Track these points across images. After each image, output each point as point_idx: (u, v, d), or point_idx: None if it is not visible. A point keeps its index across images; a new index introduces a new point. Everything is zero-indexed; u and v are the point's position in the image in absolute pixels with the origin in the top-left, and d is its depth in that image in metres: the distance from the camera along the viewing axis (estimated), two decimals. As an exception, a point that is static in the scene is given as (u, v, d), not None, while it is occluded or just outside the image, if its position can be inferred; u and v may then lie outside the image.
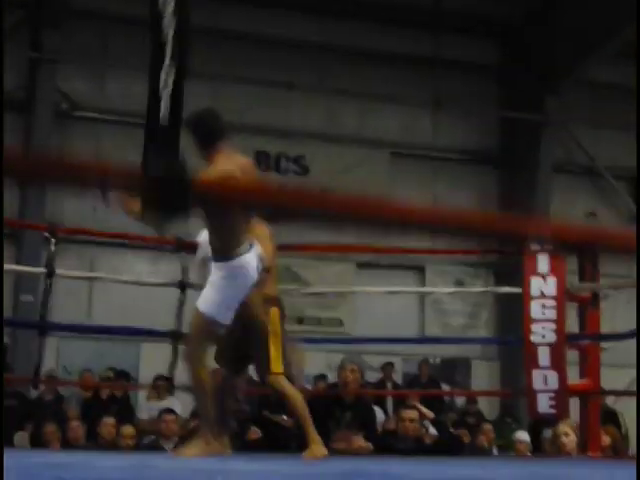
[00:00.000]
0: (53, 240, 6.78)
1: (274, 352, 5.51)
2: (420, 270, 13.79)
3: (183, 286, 7.28)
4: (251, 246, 5.05)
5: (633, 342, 7.81)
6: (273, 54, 13.49)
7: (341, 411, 7.21)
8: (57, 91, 12.73)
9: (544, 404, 7.13)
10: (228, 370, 5.75)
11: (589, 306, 7.42)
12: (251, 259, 5.03)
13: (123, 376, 10.99)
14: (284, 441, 7.96)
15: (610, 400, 11.02)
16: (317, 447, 5.34)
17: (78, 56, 12.81)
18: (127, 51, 12.34)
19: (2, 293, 5.37)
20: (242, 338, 5.59)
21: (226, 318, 5.05)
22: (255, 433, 8.35)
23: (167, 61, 1.41)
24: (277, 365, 5.51)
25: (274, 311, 5.61)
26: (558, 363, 7.00)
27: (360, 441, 6.98)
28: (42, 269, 7.25)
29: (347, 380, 7.27)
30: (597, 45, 13.06)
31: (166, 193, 1.65)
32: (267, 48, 13.48)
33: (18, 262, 11.88)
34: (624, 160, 14.70)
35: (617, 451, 8.55)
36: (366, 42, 13.76)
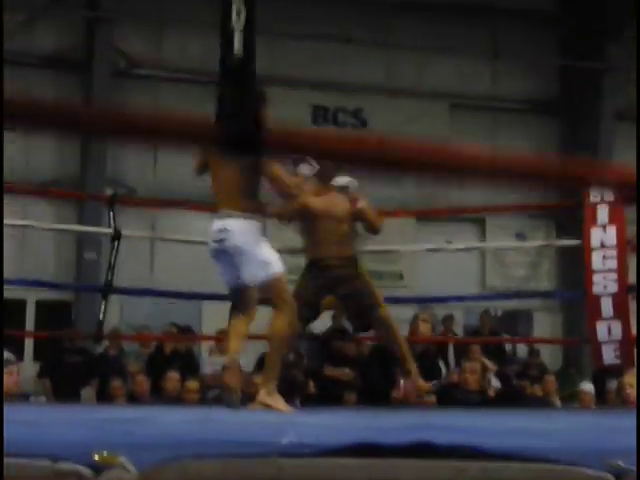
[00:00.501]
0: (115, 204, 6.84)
1: (376, 288, 5.85)
2: (480, 222, 13.71)
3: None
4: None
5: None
6: (330, 9, 13.40)
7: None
8: (115, 50, 12.77)
9: (609, 354, 7.09)
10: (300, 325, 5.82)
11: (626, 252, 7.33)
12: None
13: (186, 331, 11.08)
14: (343, 395, 8.02)
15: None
16: (420, 382, 5.80)
17: (135, 14, 12.83)
18: (184, 8, 12.33)
19: (2, 281, 5.42)
20: (322, 291, 5.86)
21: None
22: (311, 388, 8.42)
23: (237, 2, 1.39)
24: (381, 299, 5.87)
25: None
26: (622, 313, 6.95)
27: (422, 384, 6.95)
28: (106, 229, 7.31)
29: (418, 329, 7.36)
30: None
31: (241, 128, 1.65)
32: (324, 3, 13.39)
33: (80, 221, 12.02)
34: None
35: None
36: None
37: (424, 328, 7.38)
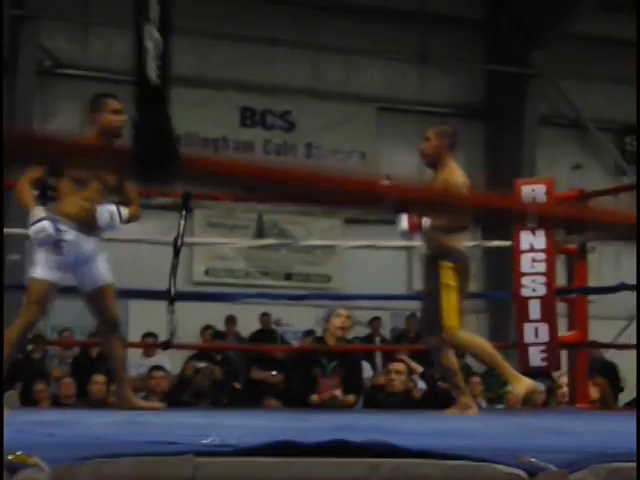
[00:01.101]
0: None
1: (445, 304, 5.44)
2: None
3: (177, 246, 7.16)
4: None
5: (620, 295, 7.84)
6: (257, 10, 13.39)
7: (327, 360, 7.15)
8: (40, 48, 12.62)
9: (535, 357, 7.15)
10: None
11: (577, 259, 7.43)
12: None
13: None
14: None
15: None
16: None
17: (60, 13, 12.69)
18: (109, 7, 12.22)
19: (2, 287, 5.40)
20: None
21: None
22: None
23: (151, 17, 1.39)
24: (450, 318, 5.43)
25: (446, 264, 5.56)
26: (549, 316, 7.02)
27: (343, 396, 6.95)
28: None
29: (334, 326, 7.21)
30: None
31: (154, 157, 1.62)
32: (250, 4, 13.38)
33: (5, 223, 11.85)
34: (610, 112, 14.69)
35: (606, 403, 8.59)
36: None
37: (337, 322, 7.21)
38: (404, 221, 5.57)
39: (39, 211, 5.14)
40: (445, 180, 5.48)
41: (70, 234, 5.20)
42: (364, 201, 1.80)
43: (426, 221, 5.45)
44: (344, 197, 1.77)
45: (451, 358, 5.56)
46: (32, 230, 5.12)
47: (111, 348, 5.68)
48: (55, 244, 5.11)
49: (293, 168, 1.75)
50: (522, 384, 5.38)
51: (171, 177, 1.67)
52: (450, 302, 5.40)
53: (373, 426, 3.85)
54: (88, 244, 5.29)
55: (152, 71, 1.68)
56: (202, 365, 9.41)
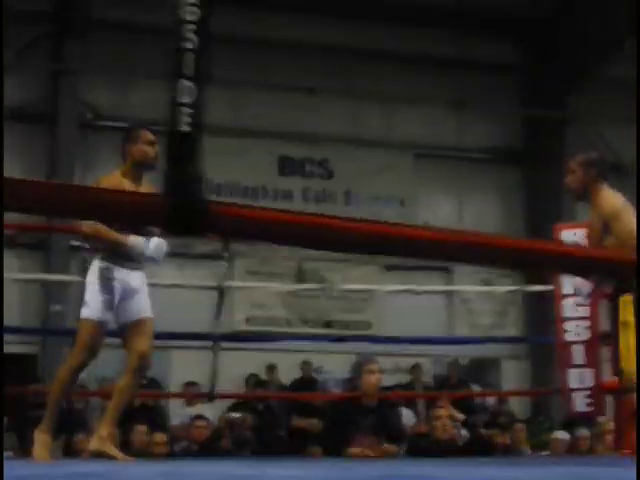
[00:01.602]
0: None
1: (623, 345, 4.81)
2: (447, 271, 13.73)
3: (222, 290, 7.18)
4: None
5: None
6: (294, 59, 13.50)
7: (363, 415, 6.83)
8: (80, 102, 12.78)
9: (580, 403, 7.09)
10: None
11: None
12: None
13: (153, 384, 11.01)
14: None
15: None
16: None
17: (101, 66, 12.85)
18: (149, 60, 12.37)
19: (2, 297, 5.38)
20: None
21: None
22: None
23: (188, 71, 1.41)
24: (627, 361, 4.78)
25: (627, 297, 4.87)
26: (593, 361, 6.96)
27: (383, 446, 6.76)
28: (73, 277, 7.26)
29: (368, 382, 6.90)
30: (620, 42, 12.99)
31: (182, 210, 1.64)
32: (288, 53, 13.49)
33: (46, 270, 11.96)
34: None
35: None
36: (387, 44, 13.74)
37: (372, 379, 6.89)
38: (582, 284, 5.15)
39: (134, 238, 5.17)
40: (600, 216, 5.14)
41: (119, 271, 5.21)
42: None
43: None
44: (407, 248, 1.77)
45: None
46: (152, 249, 5.19)
47: (123, 382, 5.46)
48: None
49: (326, 218, 1.76)
50: None
51: (199, 230, 1.68)
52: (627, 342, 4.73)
53: (418, 475, 3.82)
54: (135, 278, 5.28)
55: (184, 123, 1.70)
56: (236, 415, 9.41)
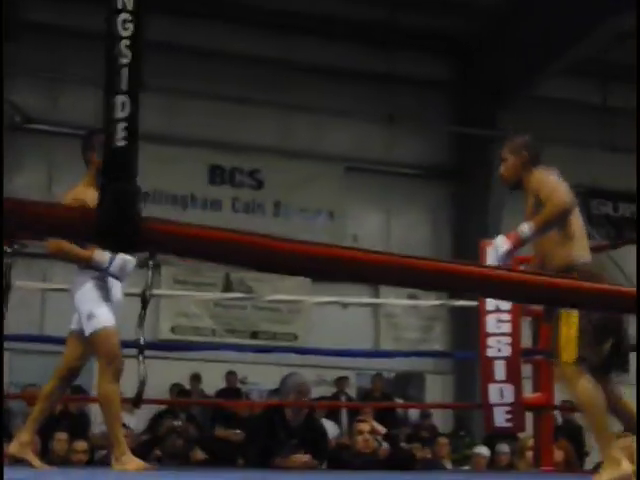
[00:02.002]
0: (9, 250, 6.65)
1: (565, 332, 4.50)
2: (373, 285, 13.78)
3: (145, 298, 7.10)
4: None
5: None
6: (227, 68, 13.48)
7: (287, 435, 6.87)
8: (9, 103, 12.62)
9: (500, 418, 7.13)
10: None
11: (543, 320, 7.45)
12: None
13: (77, 391, 10.89)
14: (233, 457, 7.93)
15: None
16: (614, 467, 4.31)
17: (30, 69, 12.71)
18: (80, 64, 12.26)
19: (2, 284, 5.27)
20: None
21: None
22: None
23: (122, 86, 1.39)
24: (567, 350, 4.47)
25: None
26: (514, 377, 7.02)
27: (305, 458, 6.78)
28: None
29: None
30: (548, 61, 13.18)
31: (114, 225, 1.63)
32: (221, 62, 13.47)
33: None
34: (576, 176, 14.77)
35: (570, 466, 8.59)
36: (319, 57, 13.79)
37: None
38: (502, 241, 4.88)
39: (99, 253, 5.08)
40: (537, 191, 4.87)
41: (112, 280, 5.17)
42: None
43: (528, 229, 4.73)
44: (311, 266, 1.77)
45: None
46: (117, 266, 5.11)
47: (49, 387, 5.39)
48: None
49: (255, 237, 1.75)
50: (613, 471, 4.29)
51: (131, 246, 1.67)
52: (571, 329, 4.49)
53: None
54: (118, 289, 5.24)
55: (120, 138, 1.69)
56: (177, 423, 9.32)
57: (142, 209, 1.67)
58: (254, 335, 13.32)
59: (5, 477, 4.35)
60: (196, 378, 11.91)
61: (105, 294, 5.12)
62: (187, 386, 11.76)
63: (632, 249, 13.79)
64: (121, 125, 1.69)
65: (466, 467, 9.72)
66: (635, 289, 1.90)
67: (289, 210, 13.78)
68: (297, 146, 13.87)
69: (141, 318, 6.54)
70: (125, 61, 1.72)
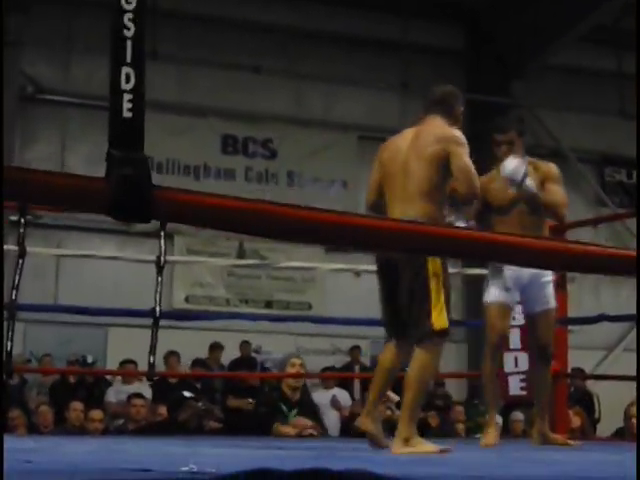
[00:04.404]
0: (22, 221, 6.64)
1: (435, 298, 4.33)
2: (388, 253, 13.76)
3: (160, 266, 7.09)
4: None
5: (599, 325, 7.87)
6: (240, 37, 13.44)
7: (288, 408, 7.30)
8: (22, 74, 12.62)
9: (515, 386, 7.15)
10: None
11: (557, 289, 7.44)
12: None
13: (90, 364, 11.03)
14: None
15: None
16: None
17: (42, 40, 12.70)
18: (91, 35, 12.24)
19: (2, 283, 5.31)
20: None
21: None
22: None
23: (128, 58, 1.40)
24: (439, 317, 4.32)
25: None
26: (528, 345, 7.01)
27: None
28: (11, 247, 7.12)
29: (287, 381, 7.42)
30: (562, 30, 13.11)
31: (126, 196, 1.64)
32: (234, 31, 13.43)
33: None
34: (590, 143, 14.80)
35: (585, 433, 8.61)
36: (332, 26, 13.74)
37: (291, 371, 7.49)
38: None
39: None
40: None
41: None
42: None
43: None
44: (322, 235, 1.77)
45: None
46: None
47: (539, 379, 5.79)
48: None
49: (267, 205, 1.75)
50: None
51: (143, 215, 1.68)
52: (440, 296, 4.37)
53: (352, 455, 3.84)
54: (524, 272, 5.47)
55: (126, 109, 1.70)
56: (189, 395, 9.34)
57: (151, 178, 1.68)
58: (268, 304, 13.34)
59: (21, 446, 4.40)
60: (215, 347, 11.90)
61: (495, 272, 5.56)
62: (205, 355, 11.79)
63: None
64: (127, 97, 1.70)
65: (479, 435, 9.73)
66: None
67: (302, 180, 13.76)
68: (310, 115, 13.84)
69: (158, 285, 6.53)
70: (129, 34, 1.73)
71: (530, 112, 14.27)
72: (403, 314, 4.48)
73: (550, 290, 5.61)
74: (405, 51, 14.05)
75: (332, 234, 1.81)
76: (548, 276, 5.58)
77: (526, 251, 1.88)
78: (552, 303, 5.63)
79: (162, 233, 6.39)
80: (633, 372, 6.11)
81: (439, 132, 4.52)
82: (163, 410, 8.95)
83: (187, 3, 13.05)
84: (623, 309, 10.86)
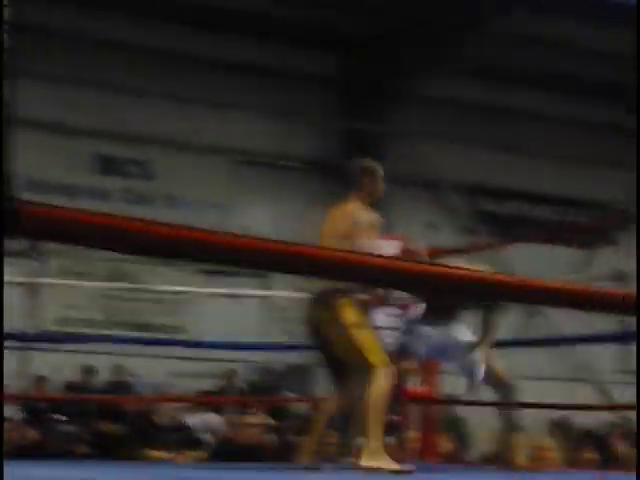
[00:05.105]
0: None
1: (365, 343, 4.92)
2: (264, 277, 13.75)
3: (32, 288, 7.02)
4: None
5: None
6: (120, 58, 13.33)
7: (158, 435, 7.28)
8: None
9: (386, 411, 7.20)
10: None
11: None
12: None
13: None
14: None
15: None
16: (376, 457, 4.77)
17: None
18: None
19: (2, 284, 5.16)
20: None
21: None
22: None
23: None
24: (373, 355, 4.90)
25: (341, 302, 5.10)
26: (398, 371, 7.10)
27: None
28: None
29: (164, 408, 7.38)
30: (439, 59, 13.37)
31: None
32: (114, 52, 13.30)
33: None
34: (463, 174, 15.08)
35: (453, 457, 8.75)
36: (211, 50, 13.74)
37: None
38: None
39: None
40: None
41: None
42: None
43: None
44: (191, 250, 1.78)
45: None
46: None
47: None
48: None
49: (134, 221, 1.76)
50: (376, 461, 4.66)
51: (9, 232, 1.65)
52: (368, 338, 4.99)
53: (215, 478, 3.84)
54: None
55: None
56: (60, 418, 9.20)
57: (18, 195, 1.65)
58: (142, 327, 13.21)
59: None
60: (88, 370, 11.73)
61: None
62: (78, 378, 11.61)
63: (519, 248, 14.13)
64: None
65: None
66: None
67: (180, 202, 13.70)
68: (189, 138, 13.79)
69: (29, 308, 6.47)
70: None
71: (405, 141, 14.46)
72: (344, 365, 5.13)
73: None
74: (281, 77, 14.11)
75: (208, 253, 1.82)
76: None
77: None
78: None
79: (34, 254, 6.32)
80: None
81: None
82: (33, 434, 8.79)
83: (67, 21, 12.89)
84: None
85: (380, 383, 4.81)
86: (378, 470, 4.45)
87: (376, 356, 4.89)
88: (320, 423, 5.42)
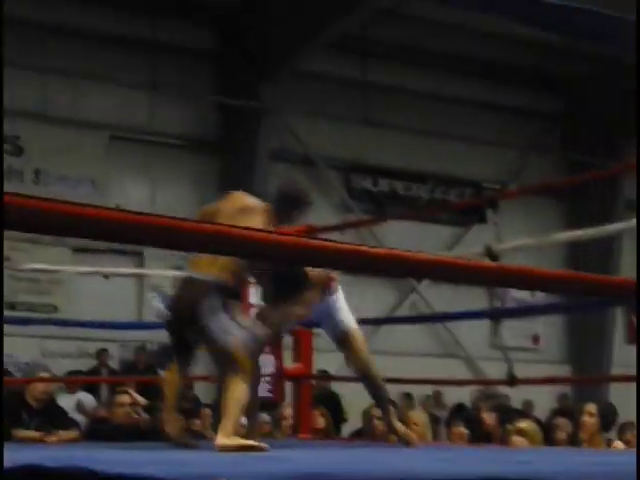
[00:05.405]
0: None
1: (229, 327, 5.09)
2: (138, 255, 13.63)
3: None
4: None
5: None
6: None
7: (29, 416, 7.14)
8: None
9: (261, 389, 7.22)
10: None
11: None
12: None
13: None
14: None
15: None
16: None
17: None
18: None
19: (2, 284, 5.03)
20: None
21: None
22: None
23: None
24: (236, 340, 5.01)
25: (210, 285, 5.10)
26: (275, 348, 7.11)
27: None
28: None
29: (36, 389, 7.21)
30: (310, 35, 13.36)
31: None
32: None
33: None
34: (338, 151, 15.16)
35: (328, 433, 8.79)
36: (81, 22, 13.47)
37: (41, 387, 7.36)
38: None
39: None
40: None
41: None
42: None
43: None
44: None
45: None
46: None
47: None
48: None
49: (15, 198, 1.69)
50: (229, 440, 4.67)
51: None
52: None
53: (85, 456, 3.77)
54: None
55: None
56: None
57: None
58: (12, 306, 12.92)
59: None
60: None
61: None
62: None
63: (393, 225, 14.27)
64: None
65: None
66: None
67: (49, 178, 13.41)
68: (58, 112, 13.49)
69: None
70: None
71: (279, 117, 14.45)
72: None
73: None
74: (155, 50, 13.93)
75: (77, 226, 1.77)
76: None
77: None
78: None
79: None
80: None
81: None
82: None
83: None
84: (369, 312, 11.25)
85: (237, 378, 4.88)
86: (232, 448, 4.53)
87: (237, 352, 4.96)
88: (171, 396, 5.49)
